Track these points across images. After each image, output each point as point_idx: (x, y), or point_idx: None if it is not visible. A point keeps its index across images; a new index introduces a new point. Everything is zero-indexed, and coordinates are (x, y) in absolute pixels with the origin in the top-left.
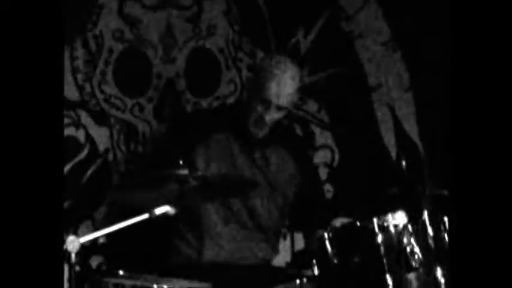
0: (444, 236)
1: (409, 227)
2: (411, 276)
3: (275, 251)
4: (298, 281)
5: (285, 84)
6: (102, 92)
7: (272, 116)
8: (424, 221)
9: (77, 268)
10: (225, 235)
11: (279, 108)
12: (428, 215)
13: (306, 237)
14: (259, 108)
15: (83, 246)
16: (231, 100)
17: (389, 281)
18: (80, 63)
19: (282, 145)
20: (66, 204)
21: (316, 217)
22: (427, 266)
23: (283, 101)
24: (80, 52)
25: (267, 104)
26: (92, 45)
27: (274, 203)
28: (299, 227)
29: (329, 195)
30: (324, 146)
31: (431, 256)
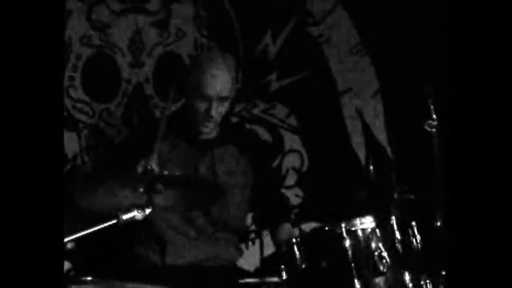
0: (412, 240)
1: (377, 231)
2: (379, 280)
3: (239, 251)
4: None
5: (218, 74)
6: (70, 97)
7: (217, 110)
8: (392, 226)
9: None
10: (185, 240)
11: (221, 99)
12: (396, 219)
13: (272, 235)
14: (202, 105)
15: None
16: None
17: (357, 286)
18: None
19: (233, 143)
20: None
21: (276, 216)
22: (395, 270)
23: (222, 92)
24: None
25: (208, 99)
26: None
27: (231, 203)
28: (263, 225)
29: (298, 199)
30: (293, 151)
31: (399, 260)
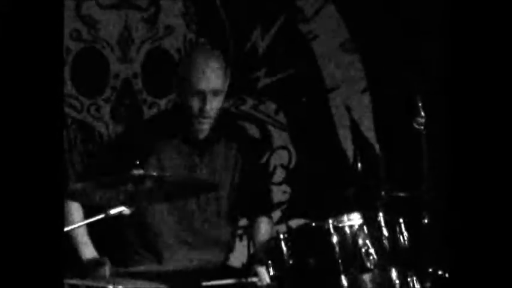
0: (399, 237)
1: (365, 228)
2: (366, 277)
3: (231, 249)
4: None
5: (209, 68)
6: None
7: (211, 104)
8: (379, 222)
9: None
10: (183, 248)
11: (214, 93)
12: (384, 216)
13: (250, 235)
14: (196, 102)
15: None
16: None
17: (344, 282)
18: None
19: (225, 137)
20: None
21: (256, 209)
22: (382, 267)
23: (215, 85)
24: None
25: (201, 94)
26: None
27: (223, 201)
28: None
29: (286, 196)
30: (281, 147)
31: (386, 257)
